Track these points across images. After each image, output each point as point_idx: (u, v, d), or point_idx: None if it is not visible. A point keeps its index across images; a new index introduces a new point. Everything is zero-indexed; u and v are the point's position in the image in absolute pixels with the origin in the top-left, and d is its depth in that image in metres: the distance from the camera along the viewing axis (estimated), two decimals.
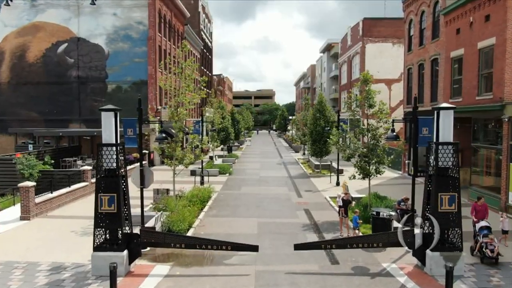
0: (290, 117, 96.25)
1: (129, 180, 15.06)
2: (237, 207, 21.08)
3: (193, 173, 31.55)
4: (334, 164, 34.26)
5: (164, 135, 14.44)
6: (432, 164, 12.08)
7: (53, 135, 36.13)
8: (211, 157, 40.22)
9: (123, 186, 12.09)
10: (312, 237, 15.83)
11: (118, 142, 12.02)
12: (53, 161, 29.19)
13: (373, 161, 18.99)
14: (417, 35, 29.28)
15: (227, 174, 32.73)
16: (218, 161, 38.85)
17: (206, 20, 72.19)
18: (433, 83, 26.86)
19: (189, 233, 15.96)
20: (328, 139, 32.81)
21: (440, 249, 11.71)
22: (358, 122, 19.61)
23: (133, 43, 38.57)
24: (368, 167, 19.13)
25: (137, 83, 38.54)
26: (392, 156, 19.68)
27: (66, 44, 38.61)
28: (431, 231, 11.96)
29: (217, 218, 18.84)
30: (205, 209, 20.28)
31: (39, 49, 38.88)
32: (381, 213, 14.92)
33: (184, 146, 19.47)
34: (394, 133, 14.82)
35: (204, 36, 67.51)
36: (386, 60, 45.36)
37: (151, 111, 36.42)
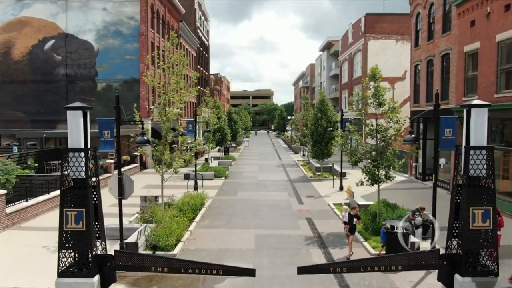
0: (289, 117, 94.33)
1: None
2: (232, 216, 19.16)
3: (186, 176, 29.67)
4: (336, 167, 32.45)
5: (146, 138, 12.52)
6: (461, 172, 10.16)
7: (37, 137, 34.08)
8: (206, 159, 38.31)
9: (94, 199, 10.17)
10: (317, 253, 13.95)
11: (88, 146, 10.10)
12: (36, 165, 27.19)
13: (383, 165, 17.18)
14: (425, 29, 27.42)
15: (223, 178, 30.83)
16: (214, 163, 36.94)
17: (203, 18, 70.27)
18: (444, 80, 25.01)
19: (177, 249, 14.06)
20: (332, 141, 31.11)
21: (472, 274, 9.83)
22: (363, 122, 17.71)
23: (124, 40, 36.60)
24: (377, 172, 17.32)
25: (128, 82, 36.58)
26: (403, 160, 17.84)
27: (53, 41, 36.58)
28: (459, 251, 10.09)
29: (209, 229, 16.93)
30: (197, 218, 18.37)
31: (25, 45, 36.88)
32: (396, 227, 12.99)
33: (174, 149, 17.54)
34: (413, 135, 12.89)
35: (200, 34, 65.59)
36: (390, 58, 43.53)
37: (142, 110, 34.50)
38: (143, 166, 35.26)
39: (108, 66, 36.63)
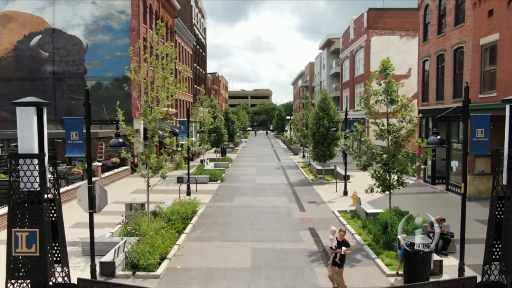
0: (288, 117, 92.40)
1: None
2: (227, 226, 17.25)
3: (179, 180, 27.77)
4: (339, 169, 30.58)
5: (121, 140, 10.61)
6: (504, 182, 8.30)
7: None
8: (202, 161, 36.38)
9: (52, 216, 8.29)
10: (323, 273, 12.04)
11: (45, 151, 8.22)
12: None
13: (395, 169, 15.33)
14: (435, 22, 25.55)
15: (219, 181, 28.90)
16: (210, 166, 35.00)
17: (199, 15, 68.34)
18: (457, 76, 23.15)
19: (161, 268, 12.14)
20: (336, 141, 29.22)
21: None
22: (373, 122, 15.83)
23: (115, 35, 34.66)
24: (388, 177, 15.47)
25: (119, 80, 34.60)
26: (417, 163, 16.02)
27: (40, 36, 34.57)
28: (501, 278, 8.24)
29: (200, 242, 15.01)
30: (187, 229, 16.45)
31: (10, 41, 34.86)
32: (416, 244, 11.06)
33: (162, 152, 15.67)
34: (439, 137, 11.00)
35: (197, 32, 63.66)
36: (393, 55, 41.36)
37: (134, 110, 32.60)
38: (135, 168, 33.29)
39: (98, 63, 34.70)
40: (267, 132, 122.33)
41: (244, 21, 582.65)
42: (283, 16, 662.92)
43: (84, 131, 10.01)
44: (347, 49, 51.35)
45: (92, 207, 10.15)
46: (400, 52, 41.69)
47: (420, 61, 28.18)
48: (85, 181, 10.43)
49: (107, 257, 11.64)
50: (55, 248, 8.42)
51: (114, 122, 11.48)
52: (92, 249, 10.17)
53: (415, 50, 39.62)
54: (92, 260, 10.24)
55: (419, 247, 10.86)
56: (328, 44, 64.86)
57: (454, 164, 23.48)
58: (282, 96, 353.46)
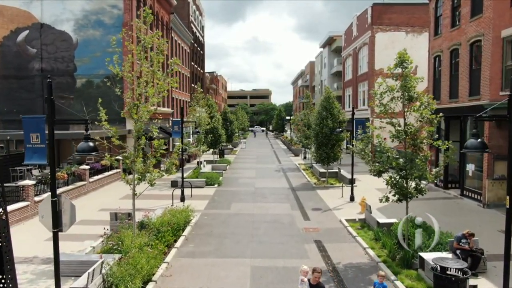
0: (288, 117, 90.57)
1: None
2: (223, 239, 15.43)
3: (174, 184, 26.00)
4: (343, 172, 28.82)
5: (92, 144, 8.79)
6: None
7: (2, 139, 30.03)
8: (198, 163, 34.56)
9: None
10: None
11: None
12: None
13: (413, 175, 13.59)
14: (449, 15, 23.76)
15: (216, 185, 27.07)
16: (207, 168, 33.19)
17: (197, 12, 66.51)
18: (473, 72, 21.36)
19: None
20: (341, 143, 27.46)
21: None
22: (389, 122, 14.03)
23: (106, 30, 32.81)
24: (405, 185, 13.72)
25: (111, 77, 32.76)
26: (437, 169, 14.30)
27: (27, 32, 32.77)
28: None
29: (193, 259, 13.19)
30: (179, 242, 14.64)
31: None
32: (449, 268, 9.25)
33: (148, 156, 13.88)
34: (479, 140, 9.20)
35: (194, 29, 61.82)
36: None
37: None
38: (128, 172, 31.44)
39: (88, 60, 32.86)
40: (266, 133, 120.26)
41: (242, 21, 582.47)
42: (281, 16, 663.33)
43: (50, 131, 8.24)
44: (349, 47, 49.58)
45: (57, 226, 8.32)
46: (406, 49, 39.85)
47: (431, 56, 26.37)
48: (48, 194, 8.58)
49: (79, 282, 9.81)
50: (1, 281, 6.63)
51: (85, 122, 9.62)
52: (57, 276, 8.34)
53: (421, 47, 37.87)
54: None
55: (451, 271, 9.07)
56: (329, 42, 63.06)
57: (470, 167, 21.70)
58: (280, 96, 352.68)
